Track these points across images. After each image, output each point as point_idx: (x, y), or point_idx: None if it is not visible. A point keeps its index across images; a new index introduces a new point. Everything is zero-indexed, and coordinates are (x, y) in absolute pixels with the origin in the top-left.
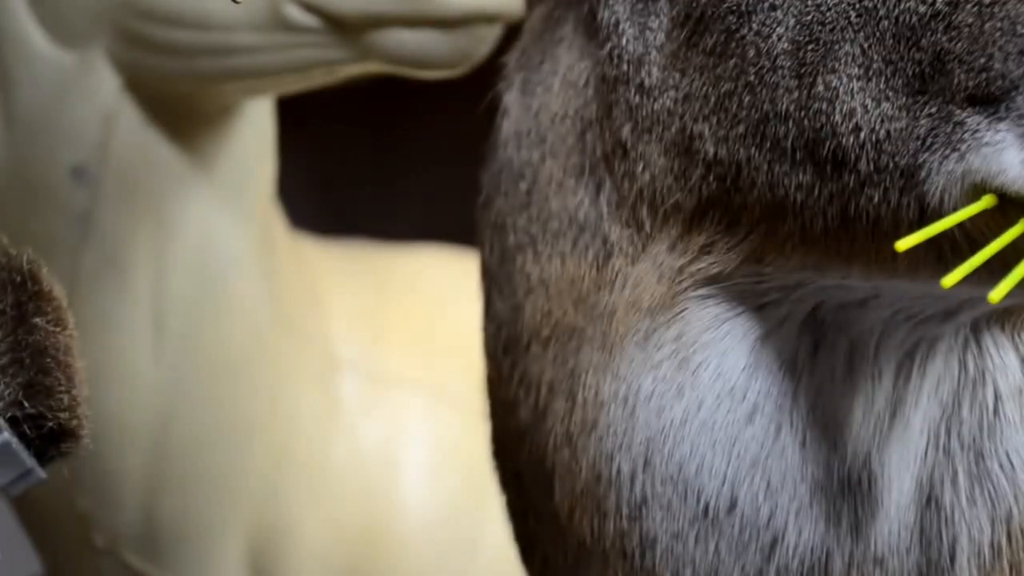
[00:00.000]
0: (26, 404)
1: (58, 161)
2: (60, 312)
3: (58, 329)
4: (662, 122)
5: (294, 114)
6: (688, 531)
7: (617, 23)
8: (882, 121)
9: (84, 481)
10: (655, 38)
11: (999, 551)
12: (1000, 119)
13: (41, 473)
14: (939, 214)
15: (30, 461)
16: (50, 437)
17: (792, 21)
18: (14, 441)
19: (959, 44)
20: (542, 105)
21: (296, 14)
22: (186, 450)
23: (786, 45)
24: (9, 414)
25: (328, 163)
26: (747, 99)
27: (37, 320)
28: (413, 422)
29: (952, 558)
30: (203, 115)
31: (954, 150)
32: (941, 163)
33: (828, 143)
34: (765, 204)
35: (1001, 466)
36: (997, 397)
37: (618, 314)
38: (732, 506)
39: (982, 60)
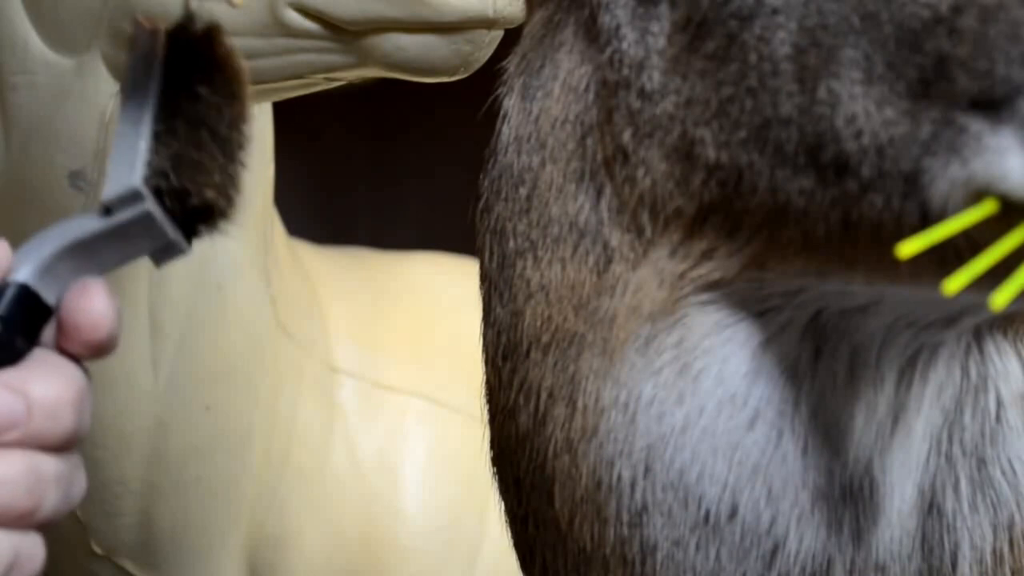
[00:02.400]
0: (172, 176)
1: (56, 166)
2: (233, 84)
3: (225, 101)
4: (663, 127)
5: (293, 120)
6: (689, 538)
7: (618, 27)
8: (884, 126)
9: None
10: (656, 42)
11: (1001, 558)
12: (1003, 124)
13: (184, 246)
14: (941, 220)
15: (172, 233)
16: (194, 213)
17: (794, 25)
18: (156, 212)
19: (962, 49)
20: (542, 110)
21: (295, 19)
22: (184, 457)
23: (788, 50)
24: (155, 184)
25: (327, 169)
26: (748, 104)
27: (202, 89)
28: (412, 428)
29: (954, 565)
30: None
31: (956, 155)
32: (943, 168)
33: (830, 148)
34: (767, 210)
35: (1003, 472)
36: (999, 403)
37: (619, 320)
38: (733, 513)
39: (985, 65)
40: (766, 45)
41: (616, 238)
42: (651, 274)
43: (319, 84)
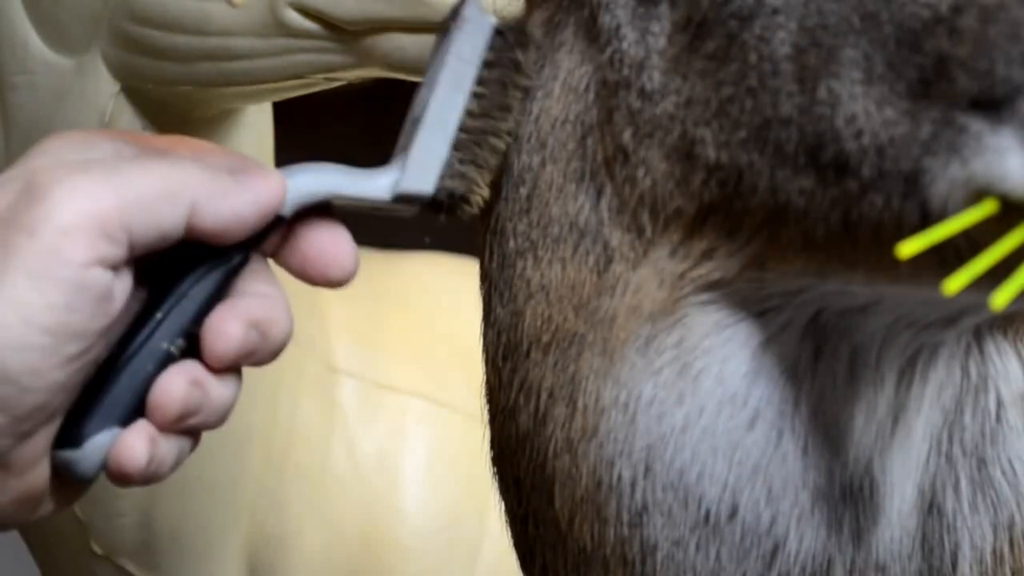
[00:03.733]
0: (455, 190)
1: None
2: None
3: (508, 109)
4: (663, 127)
5: (293, 120)
6: (689, 538)
7: (618, 27)
8: (884, 126)
9: None
10: (656, 42)
11: (1001, 558)
12: (1003, 124)
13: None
14: (941, 220)
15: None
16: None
17: (794, 25)
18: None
19: (962, 49)
20: (542, 110)
21: (295, 19)
22: None
23: (788, 50)
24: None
25: None
26: (749, 104)
27: (504, 94)
28: (412, 429)
29: (954, 565)
30: (201, 120)
31: (957, 155)
32: (943, 168)
33: (830, 148)
34: (767, 210)
35: (1003, 472)
36: (999, 403)
37: (619, 320)
38: (733, 513)
39: (985, 65)
40: (766, 45)
41: (616, 238)
42: (651, 274)
43: (319, 84)
